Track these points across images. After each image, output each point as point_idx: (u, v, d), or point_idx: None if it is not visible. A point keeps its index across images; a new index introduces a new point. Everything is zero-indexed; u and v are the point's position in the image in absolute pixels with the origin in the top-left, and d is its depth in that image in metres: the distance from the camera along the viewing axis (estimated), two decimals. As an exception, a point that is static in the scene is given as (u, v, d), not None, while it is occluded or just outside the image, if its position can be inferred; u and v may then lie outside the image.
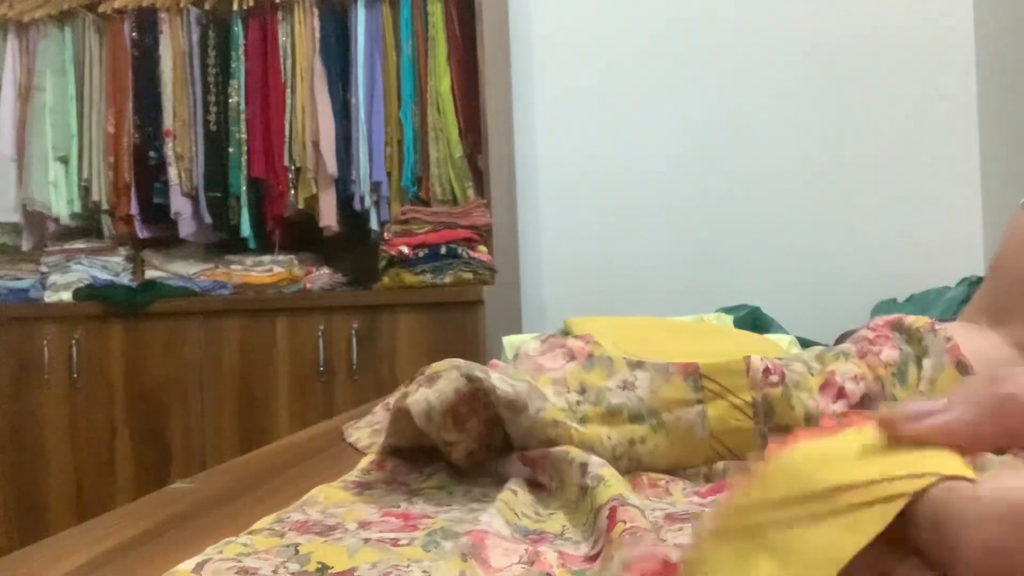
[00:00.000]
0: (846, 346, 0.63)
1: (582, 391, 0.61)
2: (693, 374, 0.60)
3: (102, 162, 2.70)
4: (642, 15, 2.81)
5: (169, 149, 2.66)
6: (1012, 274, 0.65)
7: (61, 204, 2.72)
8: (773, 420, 0.58)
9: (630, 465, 0.59)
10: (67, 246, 2.73)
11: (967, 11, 2.62)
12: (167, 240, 2.73)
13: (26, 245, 2.80)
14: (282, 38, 2.64)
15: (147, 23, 2.69)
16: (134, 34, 2.70)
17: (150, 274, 2.71)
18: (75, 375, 2.57)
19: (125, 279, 2.73)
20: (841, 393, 0.59)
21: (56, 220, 2.73)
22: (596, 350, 0.64)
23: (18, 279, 2.76)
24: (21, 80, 2.79)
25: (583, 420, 0.59)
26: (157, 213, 2.68)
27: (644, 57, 2.81)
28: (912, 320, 0.63)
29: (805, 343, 1.04)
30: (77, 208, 2.73)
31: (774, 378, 0.59)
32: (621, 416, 0.59)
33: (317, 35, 2.61)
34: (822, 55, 2.71)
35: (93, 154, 2.71)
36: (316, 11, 2.61)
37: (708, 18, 2.78)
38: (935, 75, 2.64)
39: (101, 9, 2.71)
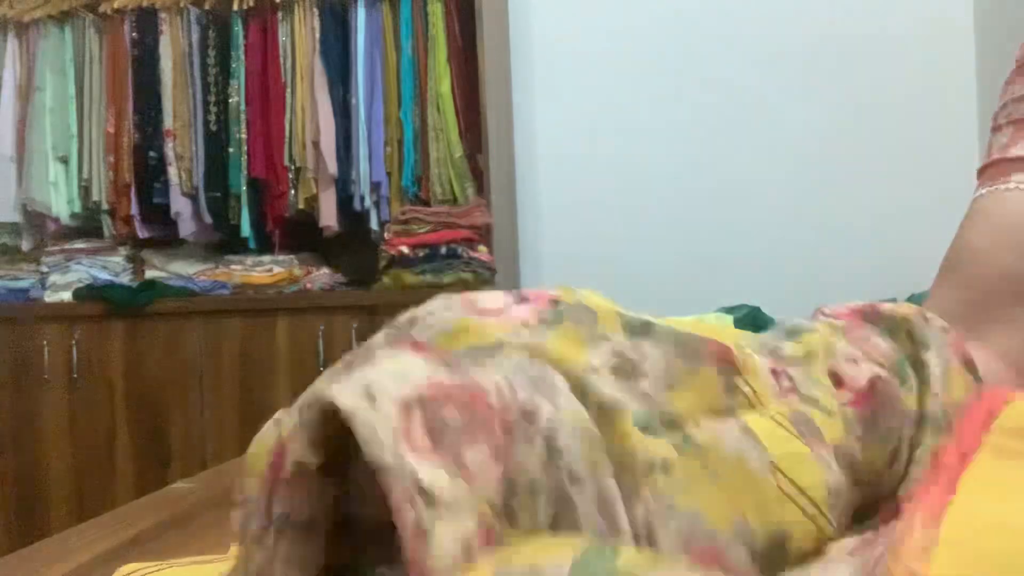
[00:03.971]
0: (822, 322, 0.41)
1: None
2: (728, 365, 0.34)
3: (102, 162, 2.70)
4: (642, 15, 2.81)
5: (169, 149, 2.66)
6: (990, 271, 0.53)
7: (61, 204, 2.72)
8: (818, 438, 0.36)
9: (645, 518, 0.29)
10: (67, 246, 2.73)
11: (967, 11, 2.62)
12: (167, 240, 2.73)
13: (26, 245, 2.80)
14: (282, 38, 2.64)
15: (147, 23, 2.69)
16: (134, 34, 2.69)
17: (150, 274, 2.71)
18: (75, 375, 2.57)
19: (125, 279, 2.73)
20: (839, 382, 0.39)
21: (56, 220, 2.73)
22: (566, 296, 0.34)
23: (18, 279, 2.76)
24: (21, 80, 2.79)
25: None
26: (157, 213, 2.67)
27: (644, 57, 2.81)
28: (892, 308, 0.43)
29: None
30: (77, 208, 2.73)
31: (786, 383, 0.38)
32: (617, 424, 0.31)
33: (317, 35, 2.61)
34: (823, 55, 2.71)
35: (93, 154, 2.71)
36: (316, 11, 2.61)
37: (709, 18, 2.78)
38: (935, 75, 2.64)
39: (101, 9, 2.71)
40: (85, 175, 2.72)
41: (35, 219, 2.79)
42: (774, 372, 0.37)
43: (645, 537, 0.30)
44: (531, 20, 2.87)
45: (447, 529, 0.24)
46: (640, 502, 0.30)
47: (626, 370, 0.32)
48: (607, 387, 0.31)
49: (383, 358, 0.28)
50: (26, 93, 2.76)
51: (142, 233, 2.70)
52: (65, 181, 2.73)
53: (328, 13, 2.62)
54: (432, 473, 0.25)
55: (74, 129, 2.73)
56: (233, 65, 2.65)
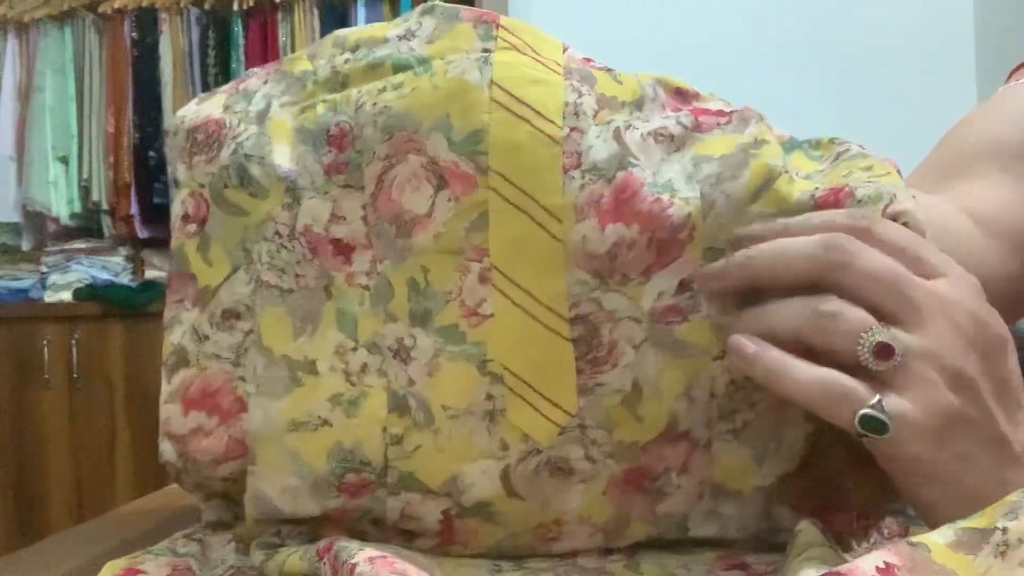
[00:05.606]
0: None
1: (355, 48, 0.42)
2: (487, 22, 0.43)
3: (102, 162, 2.70)
4: (642, 19, 2.81)
5: (169, 149, 2.66)
6: (977, 135, 0.54)
7: (61, 204, 2.72)
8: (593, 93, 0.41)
9: (359, 102, 0.40)
10: (67, 246, 2.73)
11: (967, 11, 2.62)
12: (167, 240, 2.72)
13: (26, 245, 2.80)
14: (282, 38, 2.63)
15: (147, 23, 2.69)
16: (134, 34, 2.69)
17: (150, 274, 2.71)
18: (75, 375, 2.57)
19: (125, 279, 2.73)
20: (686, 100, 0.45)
21: (56, 220, 2.73)
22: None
23: (18, 279, 2.76)
24: (21, 80, 2.78)
25: (342, 81, 0.42)
26: (157, 213, 2.67)
27: (644, 60, 2.81)
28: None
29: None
30: (77, 208, 2.73)
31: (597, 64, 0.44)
32: (384, 68, 0.41)
33: (317, 35, 2.61)
34: (822, 56, 2.71)
35: (93, 154, 2.71)
36: (316, 11, 2.61)
37: (709, 20, 2.78)
38: (934, 76, 2.64)
39: (101, 9, 2.71)
40: (85, 175, 2.72)
41: (35, 219, 2.78)
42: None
43: (356, 123, 0.39)
44: (532, 20, 2.87)
45: None
46: (363, 99, 0.40)
47: (409, 34, 0.42)
48: (384, 49, 0.42)
49: None
50: (26, 93, 2.76)
51: (142, 233, 2.70)
52: (65, 181, 2.73)
53: (328, 13, 2.62)
54: None
55: (74, 129, 2.73)
56: (233, 65, 2.65)
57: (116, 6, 2.69)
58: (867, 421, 0.32)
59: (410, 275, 0.38)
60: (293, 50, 2.62)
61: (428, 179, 0.38)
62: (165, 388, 0.41)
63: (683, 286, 0.38)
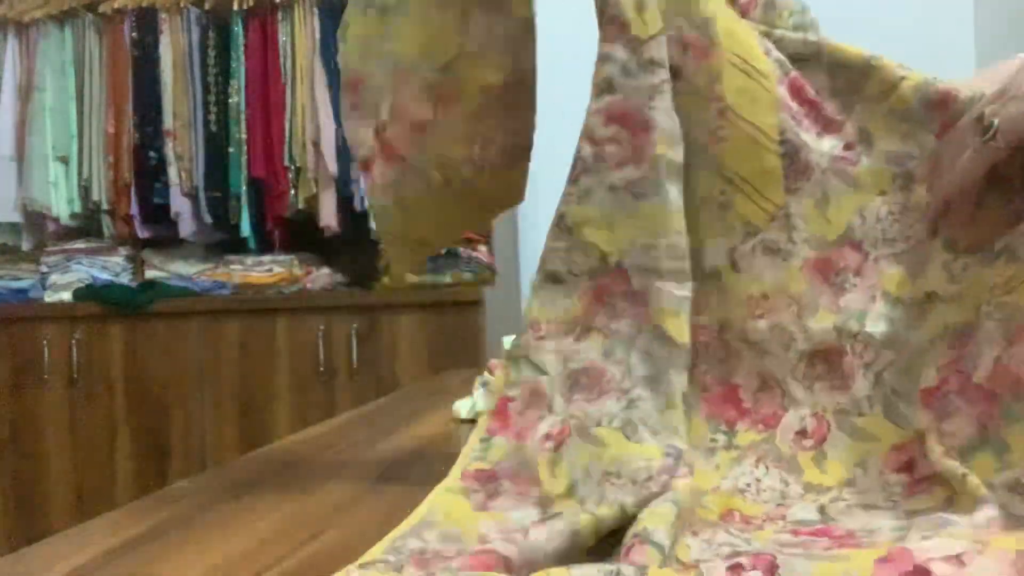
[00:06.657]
0: None
1: None
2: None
3: (102, 162, 2.70)
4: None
5: (169, 149, 2.66)
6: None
7: (61, 204, 2.72)
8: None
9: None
10: (67, 246, 2.73)
11: (967, 11, 2.62)
12: (167, 240, 2.73)
13: (26, 245, 2.80)
14: (282, 38, 2.63)
15: (147, 23, 2.68)
16: (134, 34, 2.69)
17: (150, 274, 2.71)
18: (75, 375, 2.57)
19: (125, 279, 2.73)
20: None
21: (56, 220, 2.73)
22: None
23: (18, 279, 2.76)
24: (21, 80, 2.78)
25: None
26: (157, 213, 2.67)
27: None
28: None
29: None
30: (77, 208, 2.73)
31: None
32: None
33: (317, 35, 2.61)
34: (822, 55, 2.71)
35: (93, 154, 2.71)
36: (316, 11, 2.61)
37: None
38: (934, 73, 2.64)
39: (101, 9, 2.71)
40: (85, 175, 2.71)
41: (35, 219, 2.78)
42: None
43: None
44: (531, 20, 2.87)
45: None
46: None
47: None
48: None
49: None
50: (26, 93, 2.76)
51: (142, 233, 2.70)
52: (65, 181, 2.73)
53: (328, 13, 2.61)
54: None
55: (74, 129, 2.73)
56: (233, 65, 2.65)
57: (116, 6, 2.68)
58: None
59: (684, 113, 0.59)
60: (293, 50, 2.62)
61: (676, 43, 0.60)
62: (593, 104, 0.63)
63: (848, 147, 0.59)
